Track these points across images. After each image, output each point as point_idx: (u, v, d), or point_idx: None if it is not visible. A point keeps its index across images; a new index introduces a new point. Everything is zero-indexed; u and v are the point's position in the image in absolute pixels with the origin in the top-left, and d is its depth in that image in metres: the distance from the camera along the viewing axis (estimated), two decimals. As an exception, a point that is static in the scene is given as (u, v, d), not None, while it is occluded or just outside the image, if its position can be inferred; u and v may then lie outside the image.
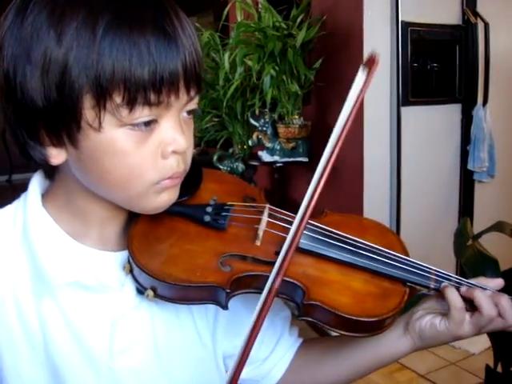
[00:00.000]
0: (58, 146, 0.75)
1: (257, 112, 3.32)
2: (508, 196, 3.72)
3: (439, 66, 3.29)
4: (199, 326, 0.92)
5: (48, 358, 0.80)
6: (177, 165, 0.77)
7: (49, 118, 0.72)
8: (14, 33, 0.71)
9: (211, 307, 0.91)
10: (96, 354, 0.81)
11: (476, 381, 2.50)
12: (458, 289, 0.85)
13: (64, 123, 0.71)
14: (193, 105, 0.79)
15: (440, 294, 0.86)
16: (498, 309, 0.83)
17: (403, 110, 3.16)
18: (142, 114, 0.71)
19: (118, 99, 0.69)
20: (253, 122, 3.40)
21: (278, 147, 3.30)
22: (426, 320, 0.88)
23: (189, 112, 0.79)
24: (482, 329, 0.85)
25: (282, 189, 3.61)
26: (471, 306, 0.84)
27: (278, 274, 0.74)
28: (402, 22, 3.07)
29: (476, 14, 3.31)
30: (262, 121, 3.36)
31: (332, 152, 0.78)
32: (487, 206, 3.55)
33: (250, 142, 3.50)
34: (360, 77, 0.78)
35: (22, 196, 0.85)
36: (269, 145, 3.35)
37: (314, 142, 3.32)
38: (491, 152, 3.41)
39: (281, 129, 3.29)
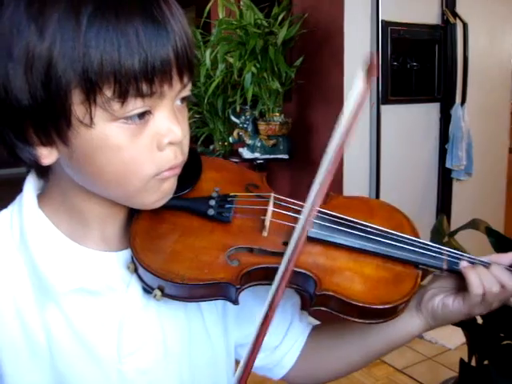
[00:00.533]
0: (48, 145, 0.70)
1: (238, 109, 3.34)
2: (485, 194, 3.78)
3: (419, 66, 3.34)
4: (208, 321, 0.89)
5: (53, 366, 0.77)
6: (174, 157, 0.73)
7: (36, 117, 0.67)
8: None
9: (219, 302, 0.88)
10: (104, 359, 0.79)
11: (452, 375, 2.54)
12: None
13: (53, 121, 0.67)
14: (186, 92, 0.74)
15: (452, 274, 0.85)
16: (500, 281, 0.82)
17: (383, 108, 3.20)
18: (135, 106, 0.67)
19: (108, 92, 0.65)
20: (234, 118, 3.41)
21: (259, 144, 3.31)
22: (439, 300, 0.87)
23: (182, 99, 0.75)
24: (491, 304, 0.84)
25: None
26: None
27: (288, 264, 0.70)
28: (382, 21, 3.10)
29: (455, 15, 3.35)
30: (243, 118, 3.37)
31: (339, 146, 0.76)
32: (465, 203, 3.60)
33: (230, 139, 3.51)
34: (360, 84, 0.72)
35: (17, 199, 0.81)
36: (249, 142, 3.36)
37: (295, 139, 3.33)
38: (469, 150, 3.46)
39: (261, 126, 3.31)
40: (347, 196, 0.93)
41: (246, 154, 3.39)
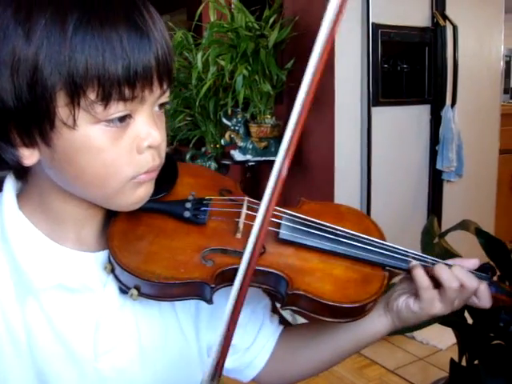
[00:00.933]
0: (30, 146, 0.73)
1: (229, 111, 3.34)
2: (475, 195, 3.80)
3: (409, 68, 3.35)
4: (183, 322, 0.92)
5: (34, 362, 0.79)
6: (152, 159, 0.76)
7: (20, 118, 0.70)
8: None
9: (192, 302, 0.92)
10: (81, 356, 0.81)
11: (443, 375, 2.56)
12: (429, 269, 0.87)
13: (37, 122, 0.70)
14: (165, 98, 0.78)
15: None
16: (459, 278, 0.85)
17: (374, 110, 3.21)
18: (117, 109, 0.70)
19: (92, 96, 0.68)
20: (225, 121, 3.41)
21: (251, 146, 3.32)
22: (402, 300, 0.90)
23: (160, 106, 0.78)
24: (452, 303, 0.86)
25: (254, 188, 3.63)
26: (437, 283, 0.86)
27: (250, 259, 0.73)
28: (372, 23, 3.11)
29: (445, 17, 3.37)
30: (235, 120, 3.37)
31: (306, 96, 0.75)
32: (455, 205, 3.62)
33: (222, 141, 3.51)
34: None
35: None
36: (241, 144, 3.36)
37: (286, 141, 3.34)
38: (459, 152, 3.48)
39: (253, 128, 3.31)
40: (317, 202, 0.97)
41: (237, 156, 3.39)
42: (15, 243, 0.78)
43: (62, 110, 0.69)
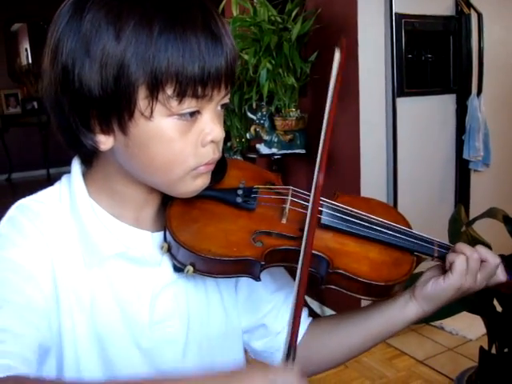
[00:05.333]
0: (106, 133, 0.82)
1: (254, 105, 3.36)
2: (503, 184, 3.76)
3: (433, 57, 3.33)
4: (226, 301, 1.00)
5: (93, 323, 0.87)
6: (213, 152, 0.86)
7: (103, 107, 0.79)
8: (73, 28, 0.78)
9: (233, 285, 1.03)
10: (136, 323, 0.89)
11: (473, 365, 2.55)
12: None
13: (117, 111, 0.79)
14: (226, 99, 0.86)
15: (442, 263, 0.96)
16: (481, 254, 0.93)
17: (398, 101, 3.20)
18: (190, 105, 0.79)
19: (169, 91, 0.77)
20: (250, 115, 3.44)
21: (276, 140, 3.33)
22: (430, 283, 0.96)
23: (222, 106, 0.87)
24: (475, 276, 0.93)
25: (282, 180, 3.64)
26: None
27: (306, 243, 0.84)
28: (395, 13, 3.10)
29: (469, 5, 3.34)
30: (260, 114, 3.39)
31: (327, 129, 0.91)
32: (483, 194, 3.59)
33: (247, 135, 3.53)
34: (337, 56, 0.97)
35: (64, 178, 0.93)
36: (266, 137, 3.38)
37: (311, 133, 3.35)
38: (486, 141, 3.45)
39: (278, 121, 3.33)
40: (352, 195, 1.06)
41: (263, 149, 3.41)
42: (85, 215, 0.87)
43: (142, 102, 0.78)
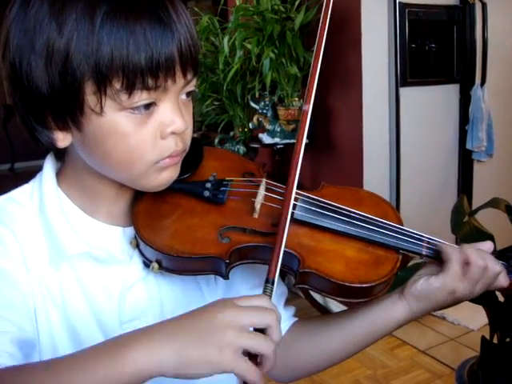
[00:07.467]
0: (63, 129, 0.79)
1: (257, 95, 3.35)
2: (506, 175, 3.76)
3: (437, 47, 3.32)
4: (206, 295, 0.95)
5: (66, 318, 0.85)
6: (175, 144, 0.81)
7: (54, 104, 0.76)
8: (19, 24, 0.75)
9: (213, 278, 0.96)
10: (106, 322, 0.87)
11: (475, 355, 2.56)
12: None
13: (68, 108, 0.76)
14: (190, 87, 0.82)
15: (432, 260, 0.90)
16: (484, 259, 0.86)
17: (402, 90, 3.19)
18: (141, 98, 0.75)
19: (117, 85, 0.73)
20: (253, 104, 3.43)
21: (279, 129, 3.33)
22: (421, 282, 0.89)
23: (187, 94, 0.83)
24: (475, 284, 0.86)
25: (283, 170, 3.64)
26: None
27: (281, 236, 0.79)
28: (399, 3, 3.09)
29: (473, -5, 3.33)
30: (262, 103, 3.38)
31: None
32: (486, 185, 3.59)
33: (250, 125, 3.52)
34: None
35: (38, 176, 0.90)
36: (269, 127, 3.37)
37: (314, 123, 3.34)
38: (489, 132, 3.45)
39: (281, 111, 3.32)
40: (338, 186, 0.99)
41: (266, 139, 3.40)
42: (52, 214, 0.85)
43: (90, 98, 0.74)
